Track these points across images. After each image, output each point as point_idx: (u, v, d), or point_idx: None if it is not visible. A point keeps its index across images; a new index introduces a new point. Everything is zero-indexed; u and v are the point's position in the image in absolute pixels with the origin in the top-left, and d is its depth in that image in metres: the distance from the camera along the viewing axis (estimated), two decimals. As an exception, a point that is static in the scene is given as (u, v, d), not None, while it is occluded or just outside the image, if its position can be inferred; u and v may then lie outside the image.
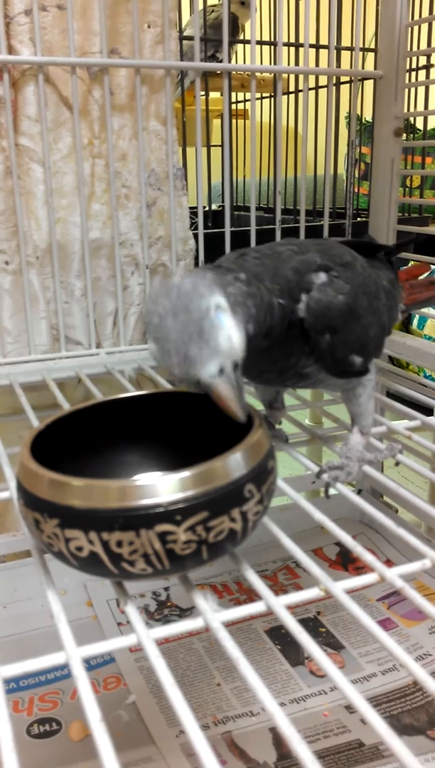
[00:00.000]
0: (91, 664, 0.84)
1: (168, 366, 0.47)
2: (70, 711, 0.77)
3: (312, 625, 0.91)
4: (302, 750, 0.36)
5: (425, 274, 0.86)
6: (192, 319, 0.45)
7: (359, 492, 1.18)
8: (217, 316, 0.46)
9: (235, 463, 0.44)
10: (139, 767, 0.70)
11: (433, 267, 1.05)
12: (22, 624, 0.90)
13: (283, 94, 1.36)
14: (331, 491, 0.63)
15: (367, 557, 0.52)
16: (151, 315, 0.46)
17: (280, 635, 0.88)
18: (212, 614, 0.45)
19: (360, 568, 1.02)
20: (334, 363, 0.58)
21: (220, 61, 0.94)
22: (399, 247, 0.77)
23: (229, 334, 0.47)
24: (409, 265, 0.97)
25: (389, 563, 1.02)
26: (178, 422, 0.57)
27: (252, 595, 0.96)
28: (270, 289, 0.52)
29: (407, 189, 2.34)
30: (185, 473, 0.42)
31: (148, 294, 0.48)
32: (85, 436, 0.54)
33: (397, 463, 0.68)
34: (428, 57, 1.80)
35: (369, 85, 1.06)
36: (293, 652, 0.85)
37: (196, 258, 0.98)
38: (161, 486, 0.41)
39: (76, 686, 0.39)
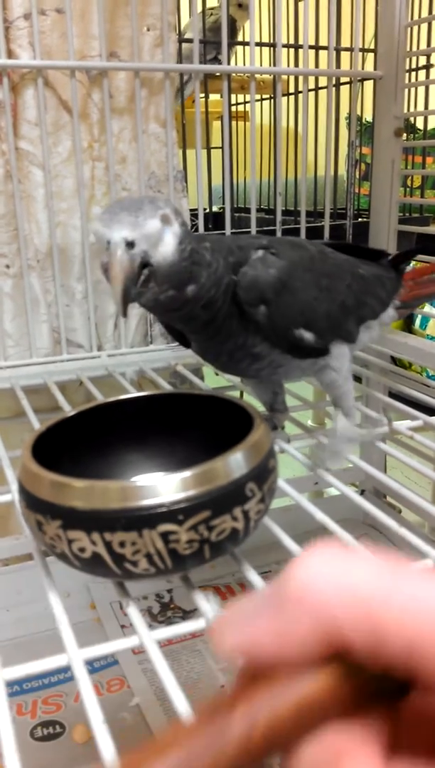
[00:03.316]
0: (94, 667, 0.84)
1: (95, 231, 0.51)
2: (74, 714, 0.77)
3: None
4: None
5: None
6: (138, 205, 0.50)
7: (362, 492, 1.18)
8: (157, 214, 0.50)
9: (236, 462, 0.44)
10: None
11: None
12: (25, 627, 0.90)
13: (283, 95, 1.37)
14: (330, 479, 0.64)
15: (370, 557, 0.51)
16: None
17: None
18: (214, 615, 0.45)
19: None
20: (277, 337, 0.58)
21: (220, 63, 0.94)
22: (407, 255, 0.78)
23: (159, 227, 0.50)
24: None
25: (393, 564, 1.01)
26: (178, 423, 0.57)
27: (255, 597, 0.96)
28: (224, 264, 0.56)
29: (408, 189, 2.34)
30: (187, 473, 0.42)
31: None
32: (87, 438, 0.54)
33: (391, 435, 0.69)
34: (428, 57, 1.79)
35: (369, 85, 1.06)
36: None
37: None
38: (163, 486, 0.41)
39: (78, 689, 0.39)
